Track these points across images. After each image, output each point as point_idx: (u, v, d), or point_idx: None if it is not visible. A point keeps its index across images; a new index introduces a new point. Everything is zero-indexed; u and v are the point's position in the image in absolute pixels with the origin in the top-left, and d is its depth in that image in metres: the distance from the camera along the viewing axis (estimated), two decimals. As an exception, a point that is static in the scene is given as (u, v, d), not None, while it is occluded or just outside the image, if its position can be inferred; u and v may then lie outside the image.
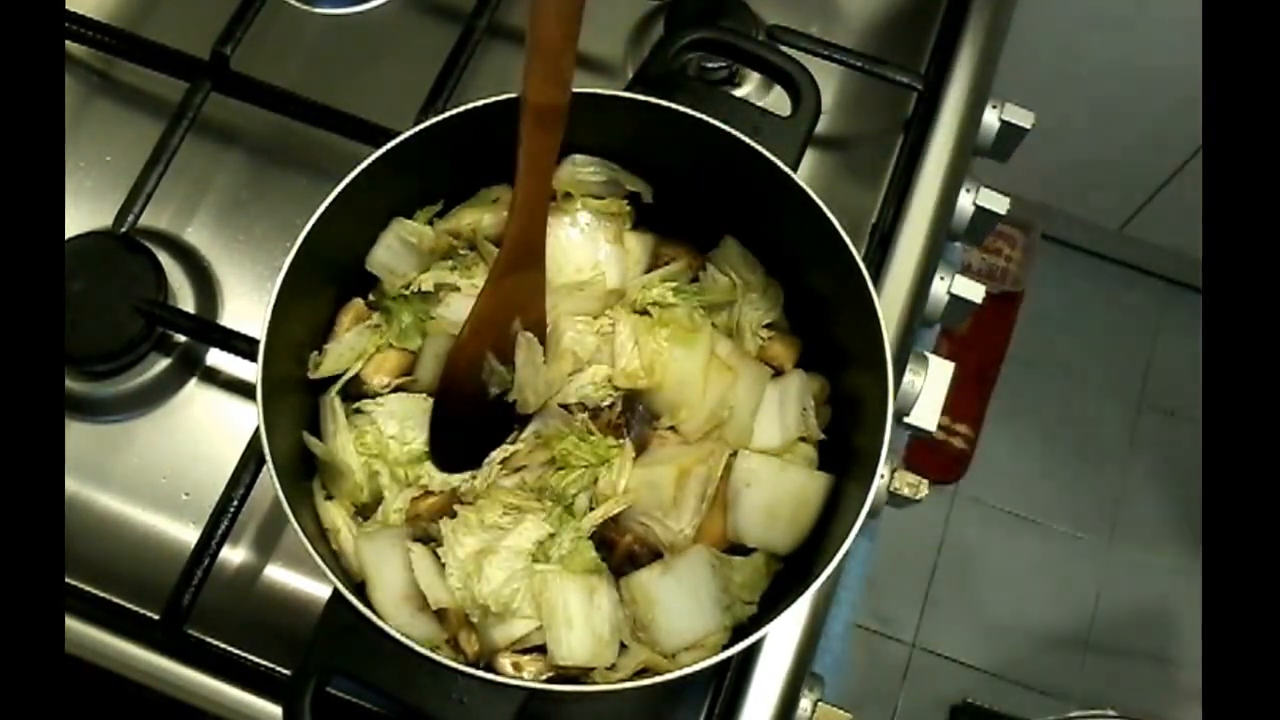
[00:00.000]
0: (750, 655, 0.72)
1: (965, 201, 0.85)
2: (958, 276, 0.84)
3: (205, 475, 0.76)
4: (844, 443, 0.68)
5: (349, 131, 0.82)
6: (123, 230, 0.79)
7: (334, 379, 0.68)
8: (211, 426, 0.78)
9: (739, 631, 0.64)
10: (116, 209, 0.79)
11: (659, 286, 0.71)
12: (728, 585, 0.65)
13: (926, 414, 0.81)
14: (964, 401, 2.01)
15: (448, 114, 0.65)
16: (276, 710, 0.70)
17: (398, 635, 0.57)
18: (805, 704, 0.72)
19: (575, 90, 0.61)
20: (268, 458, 0.60)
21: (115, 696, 0.73)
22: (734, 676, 0.72)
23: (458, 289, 0.69)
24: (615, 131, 0.68)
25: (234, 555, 0.75)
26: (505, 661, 0.62)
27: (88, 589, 0.73)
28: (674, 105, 0.66)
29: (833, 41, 0.85)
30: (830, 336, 0.70)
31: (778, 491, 0.66)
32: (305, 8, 0.91)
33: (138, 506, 0.76)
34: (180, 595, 0.71)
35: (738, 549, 0.67)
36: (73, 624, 0.71)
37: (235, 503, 0.72)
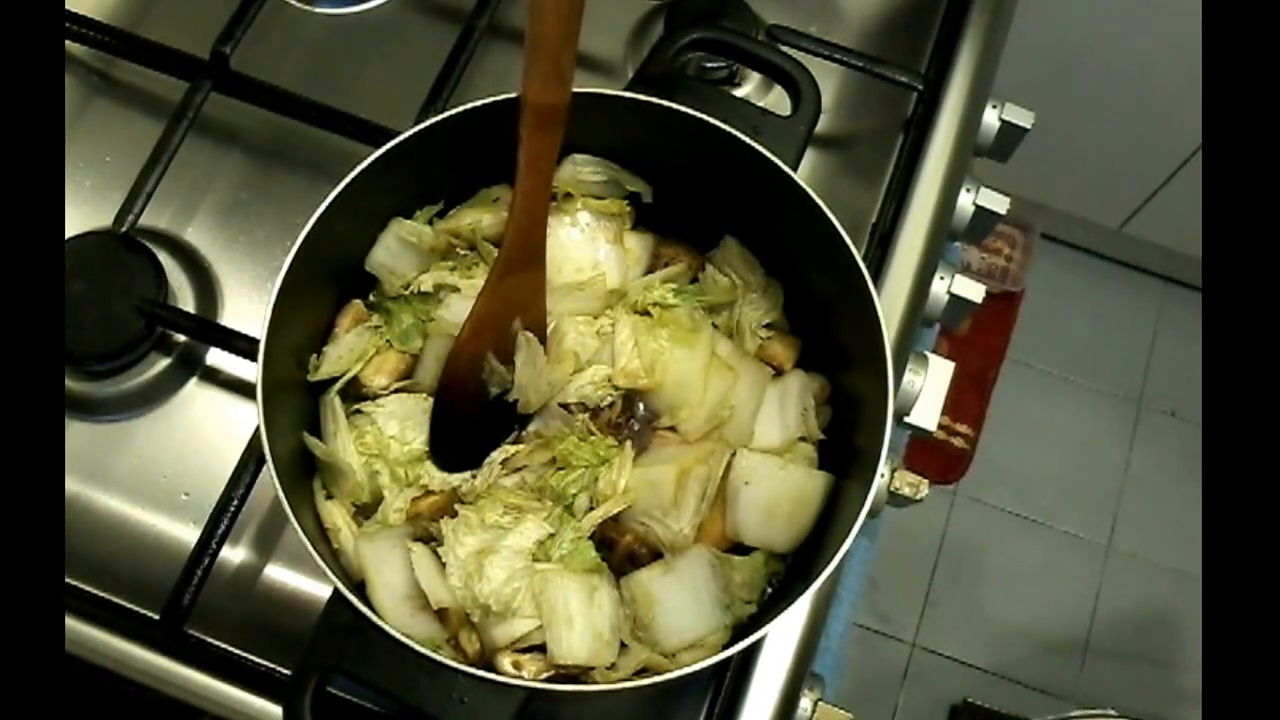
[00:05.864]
0: (750, 655, 0.72)
1: (965, 201, 0.85)
2: (958, 276, 0.84)
3: (205, 475, 0.76)
4: (844, 443, 0.68)
5: (349, 131, 0.82)
6: (123, 230, 0.79)
7: (334, 379, 0.68)
8: (211, 426, 0.78)
9: (739, 631, 0.64)
10: (116, 209, 0.79)
11: (660, 288, 0.70)
12: (728, 585, 0.65)
13: (926, 414, 0.81)
14: (964, 401, 2.01)
15: (448, 114, 0.65)
16: (276, 710, 0.70)
17: (398, 635, 0.57)
18: (805, 704, 0.72)
19: (575, 90, 0.61)
20: (268, 458, 0.60)
21: (115, 696, 0.73)
22: (734, 676, 0.72)
23: (458, 290, 0.69)
24: (615, 131, 0.68)
25: (234, 555, 0.75)
26: (505, 661, 0.62)
27: (88, 589, 0.73)
28: (674, 105, 0.66)
29: (833, 41, 0.85)
30: (830, 336, 0.70)
31: (776, 490, 0.66)
32: (305, 8, 0.91)
33: (138, 506, 0.76)
34: (180, 595, 0.71)
35: (738, 549, 0.67)
36: (73, 624, 0.71)
37: (235, 503, 0.72)
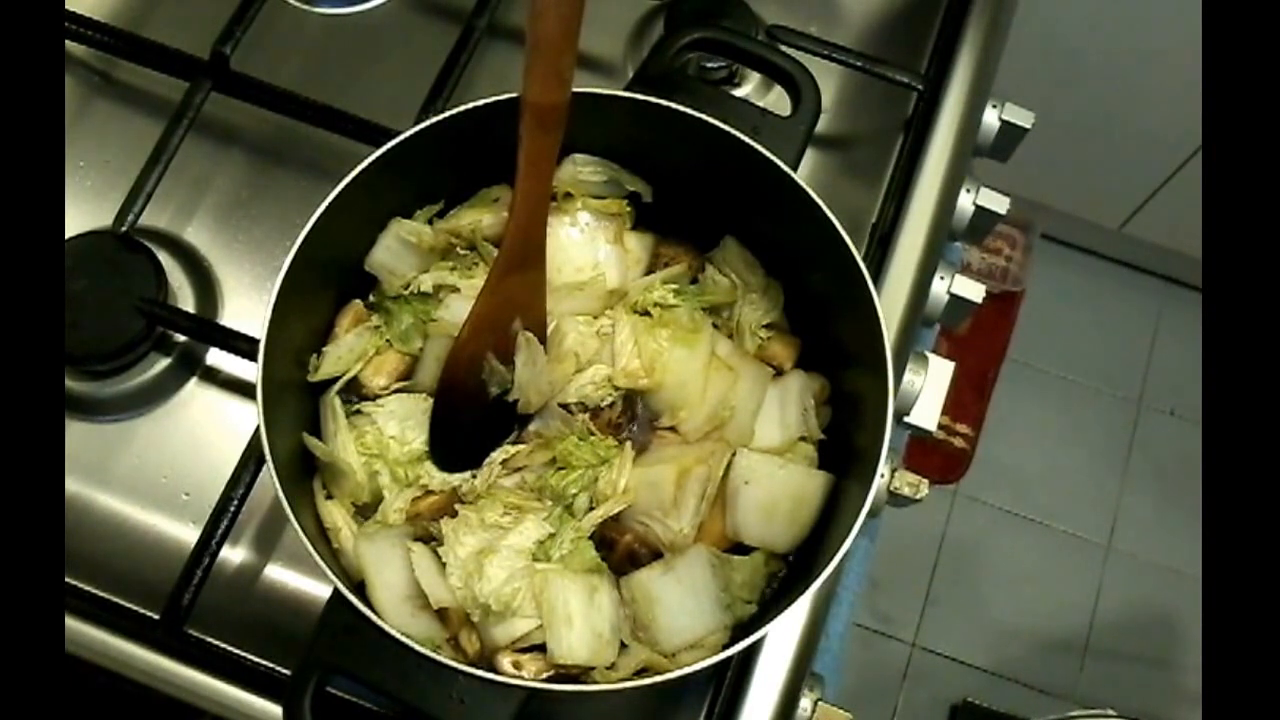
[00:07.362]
0: (750, 655, 0.72)
1: (965, 201, 0.85)
2: (958, 276, 0.84)
3: (205, 475, 0.76)
4: (844, 443, 0.68)
5: (349, 131, 0.82)
6: (123, 230, 0.79)
7: (334, 379, 0.68)
8: (211, 426, 0.78)
9: (739, 631, 0.64)
10: (116, 209, 0.79)
11: (660, 288, 0.71)
12: (728, 585, 0.65)
13: (926, 414, 0.81)
14: (964, 401, 2.01)
15: (448, 114, 0.65)
16: (276, 710, 0.70)
17: (398, 635, 0.57)
18: (805, 704, 0.72)
19: (575, 90, 0.61)
20: (268, 458, 0.60)
21: (115, 696, 0.73)
22: (734, 676, 0.72)
23: (457, 290, 0.69)
24: (615, 131, 0.68)
25: (234, 555, 0.75)
26: (505, 661, 0.62)
27: (88, 589, 0.73)
28: (674, 105, 0.66)
29: (833, 41, 0.85)
30: (830, 336, 0.70)
31: (775, 489, 0.66)
32: (305, 8, 0.91)
33: (138, 506, 0.76)
34: (180, 595, 0.71)
35: (738, 548, 0.67)
36: (73, 624, 0.71)
37: (235, 503, 0.72)
